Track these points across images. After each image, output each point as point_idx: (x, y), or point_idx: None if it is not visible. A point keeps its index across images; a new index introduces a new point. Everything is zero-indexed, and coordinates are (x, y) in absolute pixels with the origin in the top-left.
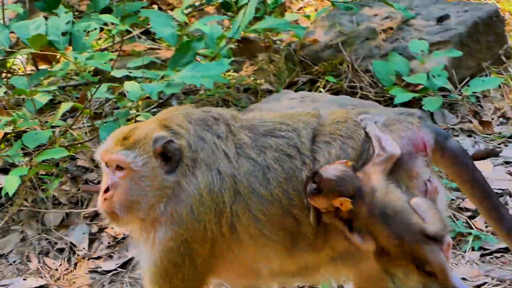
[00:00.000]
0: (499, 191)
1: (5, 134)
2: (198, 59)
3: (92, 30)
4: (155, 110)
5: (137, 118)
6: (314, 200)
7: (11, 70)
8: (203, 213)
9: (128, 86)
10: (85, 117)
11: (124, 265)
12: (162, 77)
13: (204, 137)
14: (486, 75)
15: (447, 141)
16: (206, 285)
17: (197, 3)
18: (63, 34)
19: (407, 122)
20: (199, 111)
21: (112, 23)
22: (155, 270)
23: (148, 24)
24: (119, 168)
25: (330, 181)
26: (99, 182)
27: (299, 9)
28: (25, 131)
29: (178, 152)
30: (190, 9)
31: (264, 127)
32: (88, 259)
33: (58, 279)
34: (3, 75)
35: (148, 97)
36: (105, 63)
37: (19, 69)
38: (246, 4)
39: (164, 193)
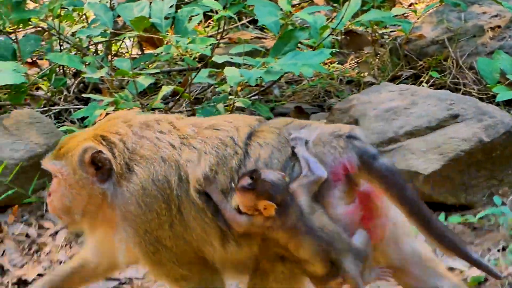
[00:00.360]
0: None
1: (107, 114)
2: (301, 49)
3: (195, 15)
4: (255, 97)
5: (236, 104)
6: (243, 195)
7: (118, 54)
8: (151, 203)
9: (228, 71)
10: (186, 101)
11: None
12: (263, 64)
13: (145, 135)
14: None
15: (374, 161)
16: (200, 258)
17: None
18: (166, 17)
19: (331, 147)
20: (141, 116)
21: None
22: (146, 263)
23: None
24: (54, 175)
25: (267, 182)
26: None
27: (409, 5)
28: None
29: (108, 161)
30: (299, 0)
31: (207, 122)
32: None
33: None
34: (109, 57)
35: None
36: (205, 47)
37: (126, 52)
38: None
39: (102, 198)
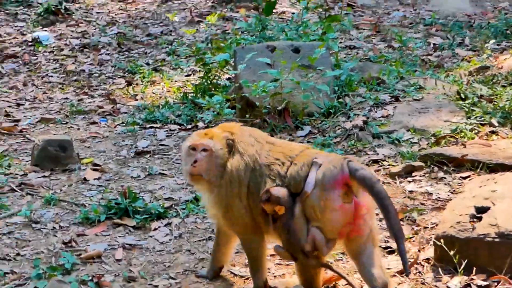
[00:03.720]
0: None
1: None
2: None
3: None
4: None
5: None
6: (264, 204)
7: None
8: (232, 182)
9: None
10: None
11: None
12: None
13: (243, 140)
14: None
15: (357, 173)
16: (254, 223)
17: None
18: None
19: (334, 165)
20: (245, 129)
21: None
22: (219, 214)
23: None
24: (204, 150)
25: (275, 196)
26: None
27: None
28: None
29: (232, 146)
30: None
31: (269, 157)
32: None
33: None
34: None
35: None
36: None
37: None
38: None
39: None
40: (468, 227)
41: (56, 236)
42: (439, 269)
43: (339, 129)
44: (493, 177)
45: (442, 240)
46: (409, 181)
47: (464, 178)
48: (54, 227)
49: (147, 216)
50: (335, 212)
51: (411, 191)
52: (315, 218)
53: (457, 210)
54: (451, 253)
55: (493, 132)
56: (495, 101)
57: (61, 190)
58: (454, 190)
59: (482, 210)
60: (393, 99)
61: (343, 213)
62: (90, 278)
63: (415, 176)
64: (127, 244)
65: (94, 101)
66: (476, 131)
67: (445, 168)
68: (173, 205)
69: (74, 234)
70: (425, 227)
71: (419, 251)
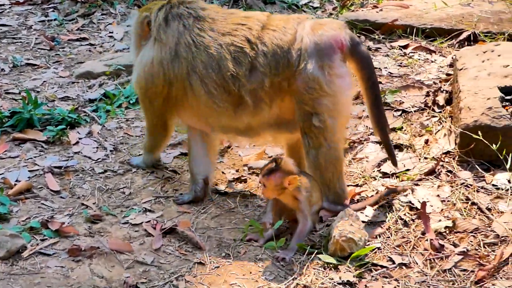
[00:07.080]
0: None
1: None
2: None
3: None
4: None
5: None
6: (270, 178)
7: None
8: (153, 75)
9: None
10: None
11: None
12: None
13: (170, 25)
14: None
15: (358, 46)
16: (169, 119)
17: None
18: None
19: (332, 25)
20: (181, 6)
21: None
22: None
23: None
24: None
25: (287, 163)
26: None
27: None
28: None
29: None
30: None
31: (225, 29)
32: None
33: None
34: None
35: None
36: None
37: None
38: None
39: (140, 45)
40: (504, 113)
41: None
42: (477, 166)
43: None
44: (485, 47)
45: (480, 133)
46: None
47: (403, 47)
48: None
49: (59, 125)
50: (344, 80)
51: None
52: (323, 94)
53: (481, 94)
54: (494, 147)
55: None
56: None
57: None
58: (401, 63)
59: (509, 90)
60: None
61: (351, 82)
62: (40, 223)
63: None
64: (54, 167)
65: None
66: None
67: (374, 36)
68: (79, 108)
69: None
70: (405, 111)
71: (426, 143)
